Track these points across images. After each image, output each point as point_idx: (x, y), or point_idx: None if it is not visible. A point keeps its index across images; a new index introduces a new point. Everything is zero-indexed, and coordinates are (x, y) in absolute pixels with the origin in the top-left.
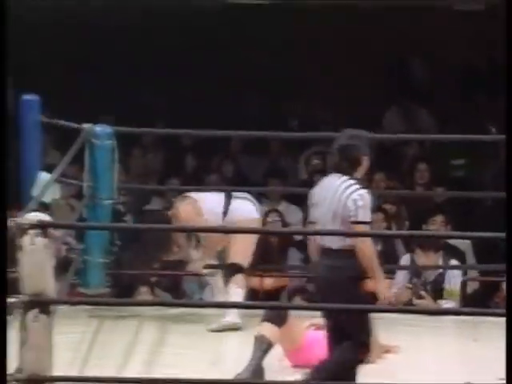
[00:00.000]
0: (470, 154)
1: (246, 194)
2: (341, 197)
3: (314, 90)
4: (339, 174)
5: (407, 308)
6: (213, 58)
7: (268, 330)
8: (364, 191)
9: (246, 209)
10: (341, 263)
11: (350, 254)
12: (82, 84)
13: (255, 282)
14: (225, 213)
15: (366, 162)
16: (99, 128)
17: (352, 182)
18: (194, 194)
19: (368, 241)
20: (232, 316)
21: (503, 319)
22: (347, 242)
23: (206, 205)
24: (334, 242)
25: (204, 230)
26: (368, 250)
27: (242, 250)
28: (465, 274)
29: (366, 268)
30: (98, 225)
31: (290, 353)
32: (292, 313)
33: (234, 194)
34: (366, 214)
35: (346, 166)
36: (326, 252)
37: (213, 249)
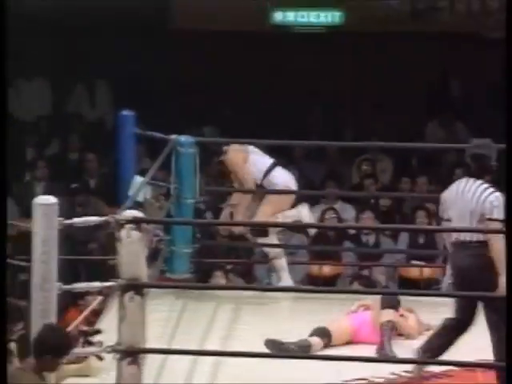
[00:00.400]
0: (500, 160)
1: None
2: (479, 198)
3: (366, 106)
4: (473, 179)
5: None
6: (283, 79)
7: (315, 341)
8: (499, 194)
9: (284, 178)
10: (479, 253)
11: (486, 246)
12: (174, 101)
13: (315, 269)
14: (265, 174)
15: (494, 168)
16: (184, 138)
17: (487, 185)
18: (250, 147)
19: (501, 237)
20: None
21: None
22: (483, 237)
23: (253, 158)
24: (474, 237)
25: (272, 225)
26: (499, 245)
27: (269, 212)
28: None
29: (495, 260)
30: (182, 220)
31: None
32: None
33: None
34: (500, 213)
35: (480, 173)
36: (466, 245)
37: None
